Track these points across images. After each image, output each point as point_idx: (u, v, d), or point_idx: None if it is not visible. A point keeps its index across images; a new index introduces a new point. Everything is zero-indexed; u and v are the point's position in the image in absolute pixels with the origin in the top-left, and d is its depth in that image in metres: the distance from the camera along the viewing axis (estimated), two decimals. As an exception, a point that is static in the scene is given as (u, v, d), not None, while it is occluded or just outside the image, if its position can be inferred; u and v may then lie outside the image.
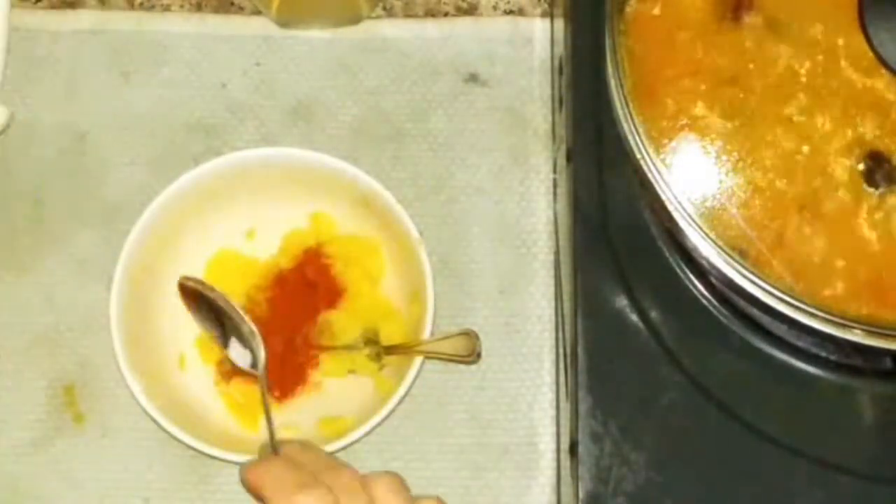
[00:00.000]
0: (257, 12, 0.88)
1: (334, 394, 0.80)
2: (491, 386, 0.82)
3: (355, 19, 0.88)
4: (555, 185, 0.84)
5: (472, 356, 0.80)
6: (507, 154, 0.86)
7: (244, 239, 0.83)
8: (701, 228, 0.67)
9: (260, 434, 0.79)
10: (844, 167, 0.67)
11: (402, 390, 0.76)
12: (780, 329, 0.69)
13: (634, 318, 0.70)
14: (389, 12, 0.89)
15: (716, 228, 0.67)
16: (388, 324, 0.80)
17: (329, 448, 0.75)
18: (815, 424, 0.69)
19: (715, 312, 0.70)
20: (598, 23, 0.71)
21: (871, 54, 0.68)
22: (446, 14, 0.89)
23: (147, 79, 0.87)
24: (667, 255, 0.71)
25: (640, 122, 0.68)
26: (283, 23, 0.87)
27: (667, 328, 0.70)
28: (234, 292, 0.82)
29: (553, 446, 0.80)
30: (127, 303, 0.78)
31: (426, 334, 0.77)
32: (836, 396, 0.69)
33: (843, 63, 0.69)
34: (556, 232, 0.82)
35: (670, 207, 0.67)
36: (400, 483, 0.65)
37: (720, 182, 0.68)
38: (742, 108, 0.68)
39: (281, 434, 0.79)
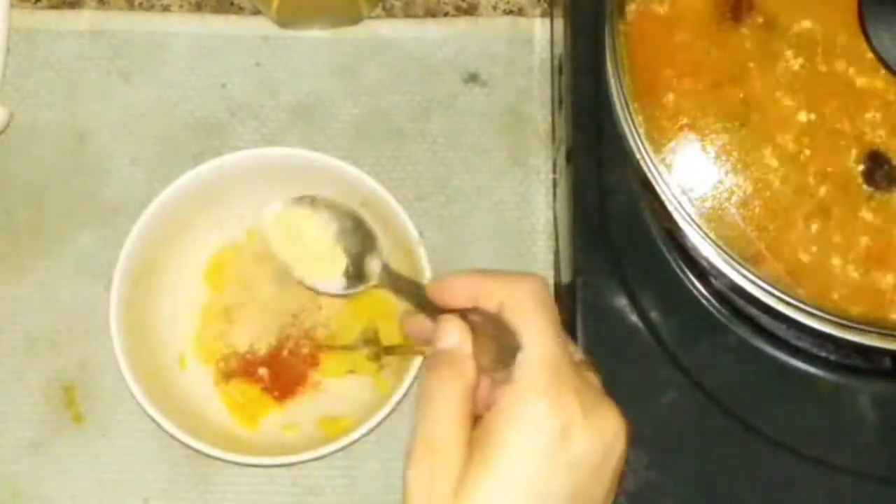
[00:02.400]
0: (257, 12, 0.88)
1: (334, 394, 0.80)
2: (491, 386, 0.82)
3: (355, 19, 0.88)
4: (555, 186, 0.84)
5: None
6: (506, 154, 0.86)
7: (244, 239, 0.83)
8: (701, 228, 0.67)
9: (259, 434, 0.79)
10: (844, 167, 0.67)
11: (401, 390, 0.76)
12: (780, 329, 0.69)
13: (634, 318, 0.70)
14: (389, 12, 0.89)
15: (716, 228, 0.67)
16: (387, 324, 0.80)
17: (329, 448, 0.75)
18: (815, 424, 0.69)
19: (715, 312, 0.70)
20: (598, 23, 0.71)
21: (870, 54, 0.68)
22: (446, 14, 0.89)
23: (147, 79, 0.87)
24: (667, 255, 0.71)
25: (640, 122, 0.68)
26: (283, 23, 0.87)
27: (667, 328, 0.70)
28: (233, 292, 0.82)
29: (553, 446, 0.80)
30: (127, 303, 0.78)
31: (426, 334, 0.77)
32: (836, 396, 0.69)
33: (842, 63, 0.69)
34: (556, 232, 0.82)
35: (670, 207, 0.67)
36: None
37: (720, 182, 0.68)
38: (742, 108, 0.68)
39: (281, 434, 0.79)
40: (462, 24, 0.88)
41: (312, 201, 0.72)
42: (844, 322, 0.65)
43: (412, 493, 0.58)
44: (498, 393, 0.60)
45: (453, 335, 0.61)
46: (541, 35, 0.88)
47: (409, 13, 0.89)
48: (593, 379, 0.63)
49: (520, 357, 0.60)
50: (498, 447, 0.57)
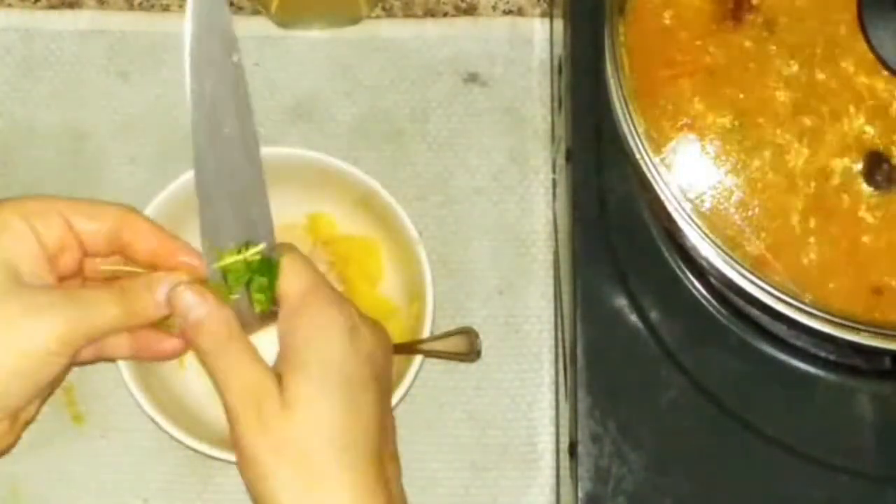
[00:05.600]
0: (257, 12, 0.88)
1: (334, 394, 0.80)
2: (490, 386, 0.82)
3: (355, 19, 0.88)
4: (554, 186, 0.84)
5: (471, 354, 0.80)
6: (506, 154, 0.86)
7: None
8: (700, 228, 0.67)
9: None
10: (844, 167, 0.67)
11: (401, 390, 0.76)
12: (779, 329, 0.69)
13: (634, 318, 0.70)
14: (389, 12, 0.89)
15: (715, 228, 0.67)
16: (387, 324, 0.80)
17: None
18: (814, 424, 0.69)
19: (715, 312, 0.70)
20: (597, 23, 0.71)
21: (870, 54, 0.68)
22: (446, 14, 0.89)
23: (146, 79, 0.87)
24: (666, 255, 0.71)
25: (640, 122, 0.68)
26: (283, 23, 0.87)
27: (666, 328, 0.70)
28: (233, 292, 0.82)
29: (552, 446, 0.80)
30: (126, 303, 0.78)
31: (426, 334, 0.77)
32: (836, 396, 0.69)
33: (842, 63, 0.69)
34: (556, 232, 0.82)
35: (670, 207, 0.67)
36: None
37: (720, 182, 0.68)
38: (741, 108, 0.68)
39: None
40: (462, 24, 0.88)
41: None
42: (844, 322, 0.65)
43: (250, 441, 0.63)
44: (283, 312, 0.66)
45: (197, 305, 0.66)
46: (540, 35, 0.88)
47: (408, 13, 0.89)
48: None
49: (288, 284, 0.66)
50: (306, 350, 0.64)
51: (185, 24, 0.64)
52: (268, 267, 0.68)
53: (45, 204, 0.67)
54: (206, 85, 0.65)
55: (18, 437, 0.69)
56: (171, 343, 0.70)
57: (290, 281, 0.66)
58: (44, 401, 0.70)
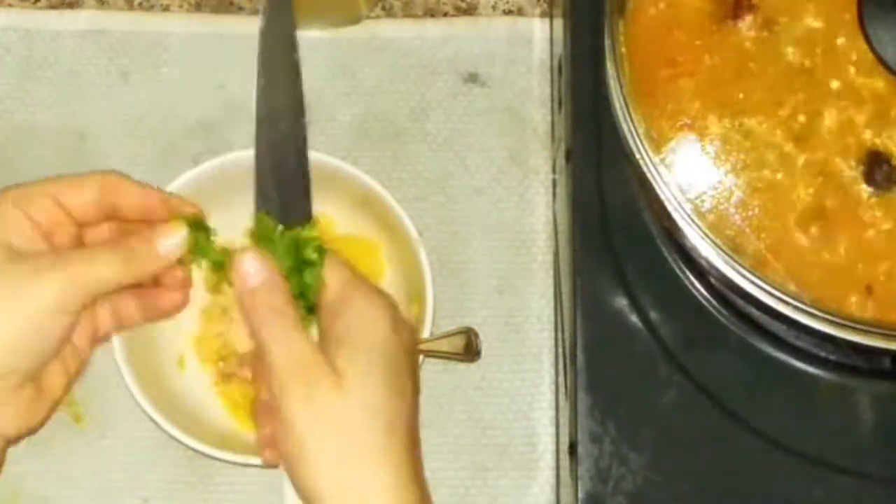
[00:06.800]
0: (257, 12, 0.88)
1: (334, 394, 0.80)
2: (490, 386, 0.82)
3: (355, 19, 0.88)
4: (554, 186, 0.84)
5: (471, 354, 0.80)
6: (506, 154, 0.86)
7: (244, 239, 0.83)
8: (700, 228, 0.67)
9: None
10: (844, 167, 0.67)
11: (401, 390, 0.76)
12: (780, 329, 0.69)
13: (634, 318, 0.70)
14: (389, 12, 0.89)
15: (715, 228, 0.67)
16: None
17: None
18: (814, 424, 0.69)
19: (715, 312, 0.70)
20: (597, 23, 0.71)
21: (870, 54, 0.68)
22: (445, 14, 0.89)
23: (146, 79, 0.87)
24: (666, 255, 0.71)
25: (640, 122, 0.68)
26: (283, 23, 0.87)
27: (666, 328, 0.70)
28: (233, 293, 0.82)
29: (552, 446, 0.80)
30: (126, 303, 0.78)
31: (426, 334, 0.77)
32: (836, 396, 0.69)
33: (842, 63, 0.69)
34: (556, 232, 0.82)
35: (669, 207, 0.67)
36: None
37: (719, 182, 0.68)
38: (741, 108, 0.68)
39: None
40: (461, 23, 0.88)
41: None
42: (844, 322, 0.65)
43: (296, 412, 0.63)
44: (326, 302, 0.67)
45: (257, 271, 0.67)
46: (540, 35, 0.88)
47: (408, 13, 0.89)
48: None
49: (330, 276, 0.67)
50: (353, 334, 0.65)
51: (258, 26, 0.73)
52: (320, 255, 0.68)
53: (31, 188, 0.68)
54: (270, 82, 0.72)
55: (49, 415, 0.69)
56: (169, 298, 0.71)
57: (333, 273, 0.68)
58: (70, 378, 0.70)
